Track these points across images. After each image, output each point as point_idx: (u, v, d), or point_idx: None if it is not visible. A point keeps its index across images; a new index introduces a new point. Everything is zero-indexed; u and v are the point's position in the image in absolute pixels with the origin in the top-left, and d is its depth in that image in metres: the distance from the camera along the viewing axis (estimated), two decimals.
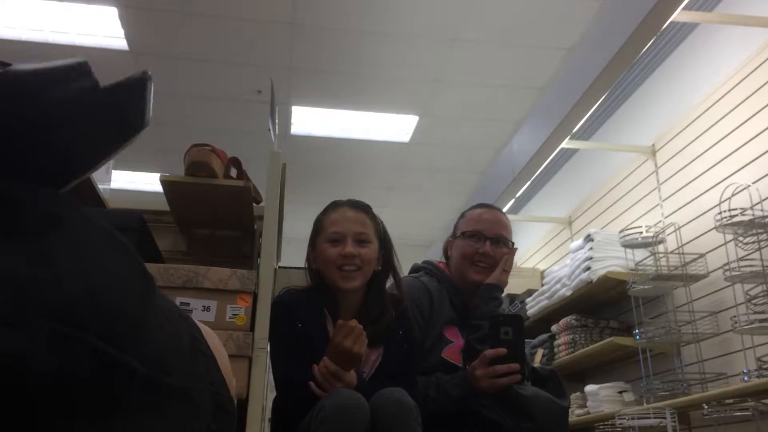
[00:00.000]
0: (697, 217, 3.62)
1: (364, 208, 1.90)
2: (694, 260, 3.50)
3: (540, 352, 4.68)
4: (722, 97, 3.49)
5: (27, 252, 0.43)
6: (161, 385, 0.48)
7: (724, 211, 3.05)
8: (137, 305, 0.48)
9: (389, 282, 1.93)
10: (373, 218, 1.90)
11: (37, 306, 0.41)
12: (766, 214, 2.95)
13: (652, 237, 3.78)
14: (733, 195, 3.08)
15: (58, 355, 0.41)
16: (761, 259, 2.93)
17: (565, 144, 4.32)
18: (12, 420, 0.40)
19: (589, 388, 4.17)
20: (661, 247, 3.81)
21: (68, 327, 0.42)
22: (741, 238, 3.04)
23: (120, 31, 4.36)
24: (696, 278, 3.50)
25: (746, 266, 2.97)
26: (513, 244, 2.09)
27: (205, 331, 0.66)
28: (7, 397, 0.40)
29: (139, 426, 0.46)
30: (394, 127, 5.51)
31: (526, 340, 3.41)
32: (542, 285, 5.00)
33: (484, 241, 2.02)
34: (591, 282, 4.08)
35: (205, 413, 0.56)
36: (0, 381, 0.39)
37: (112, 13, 4.20)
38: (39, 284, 0.42)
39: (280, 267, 2.37)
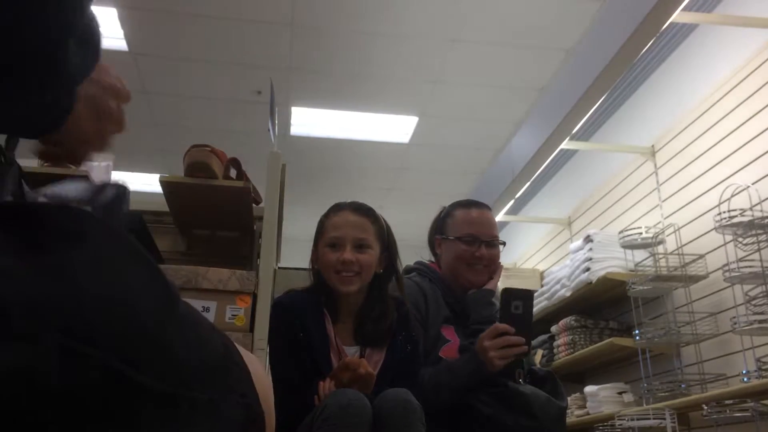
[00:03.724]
0: (696, 218, 3.62)
1: (366, 212, 1.88)
2: (693, 261, 3.50)
3: (539, 352, 4.68)
4: (722, 97, 3.49)
5: (46, 267, 0.43)
6: (182, 400, 0.47)
7: (724, 212, 3.05)
8: (157, 320, 0.47)
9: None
10: (375, 221, 1.88)
11: (51, 321, 0.41)
12: (765, 214, 2.95)
13: (652, 238, 3.78)
14: (732, 196, 3.08)
15: (69, 371, 0.41)
16: (761, 260, 2.93)
17: (565, 145, 4.32)
18: None
19: (589, 388, 4.17)
20: (660, 248, 3.81)
21: (81, 343, 0.41)
22: (740, 239, 3.04)
23: (120, 32, 4.35)
24: (695, 279, 3.49)
25: (746, 267, 2.97)
26: (504, 244, 2.11)
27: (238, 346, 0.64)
28: (15, 413, 0.39)
29: None
30: (393, 127, 5.51)
31: None
32: (542, 285, 5.00)
33: (480, 244, 2.03)
34: (591, 283, 4.08)
35: (234, 426, 0.54)
36: (9, 395, 0.39)
37: (111, 13, 4.19)
38: (55, 300, 0.42)
39: (279, 267, 2.37)
